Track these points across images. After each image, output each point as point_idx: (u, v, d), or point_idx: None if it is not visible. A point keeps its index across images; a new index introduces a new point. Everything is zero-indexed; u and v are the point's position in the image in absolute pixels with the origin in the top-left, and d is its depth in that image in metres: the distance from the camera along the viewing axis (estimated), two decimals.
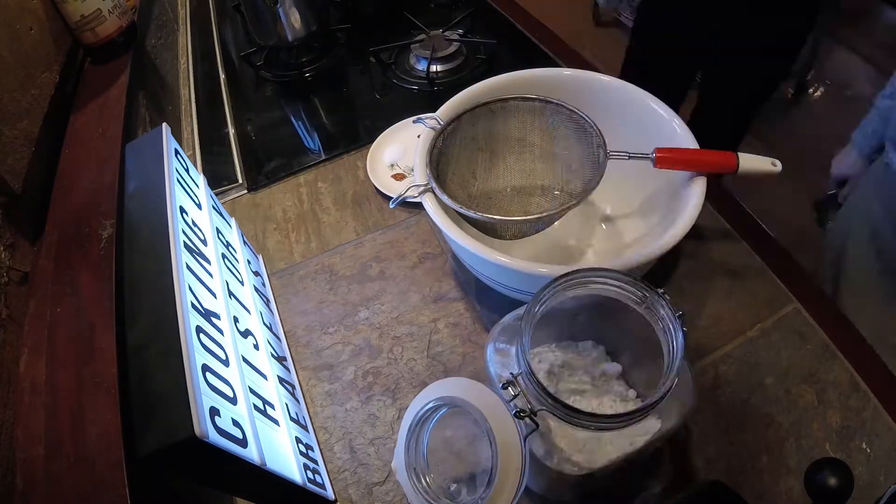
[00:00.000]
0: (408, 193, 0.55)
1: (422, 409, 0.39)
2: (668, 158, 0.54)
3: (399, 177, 0.80)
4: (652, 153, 0.54)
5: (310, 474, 0.49)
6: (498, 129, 0.63)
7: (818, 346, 0.58)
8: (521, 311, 0.40)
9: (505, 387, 0.37)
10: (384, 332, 0.65)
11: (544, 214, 0.53)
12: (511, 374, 0.38)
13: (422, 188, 0.55)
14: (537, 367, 0.48)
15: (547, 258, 0.66)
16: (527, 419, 0.37)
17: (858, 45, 2.17)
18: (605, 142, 0.56)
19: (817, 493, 0.47)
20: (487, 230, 0.57)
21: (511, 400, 0.37)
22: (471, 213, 0.53)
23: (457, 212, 0.54)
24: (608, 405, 0.47)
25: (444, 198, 0.54)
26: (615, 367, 0.49)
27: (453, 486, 0.39)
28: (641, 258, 0.49)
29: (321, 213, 0.79)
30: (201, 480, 0.41)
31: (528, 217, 0.53)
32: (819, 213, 1.11)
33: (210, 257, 0.50)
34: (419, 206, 0.58)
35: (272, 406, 0.48)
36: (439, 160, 0.59)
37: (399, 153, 0.82)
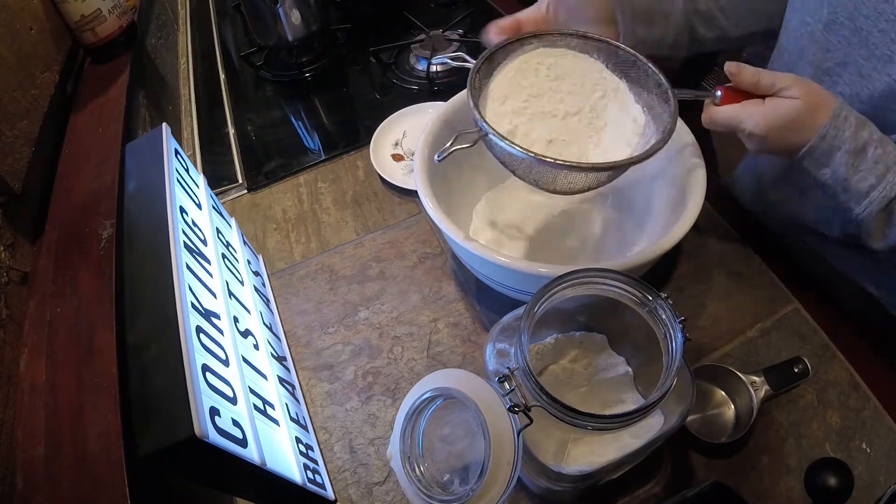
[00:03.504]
0: (455, 145, 0.48)
1: (418, 398, 0.39)
2: (732, 96, 0.49)
3: (398, 158, 0.82)
4: (717, 91, 0.49)
5: (310, 474, 0.49)
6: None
7: (818, 346, 0.58)
8: (520, 310, 0.40)
9: (501, 381, 0.38)
10: (384, 332, 0.65)
11: (615, 161, 0.46)
12: (508, 368, 0.38)
13: (474, 134, 0.48)
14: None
15: (547, 258, 0.66)
16: (521, 414, 0.37)
17: None
18: (668, 82, 0.50)
19: (817, 493, 0.47)
20: (540, 182, 0.50)
21: (507, 394, 0.37)
22: (521, 153, 0.45)
23: (500, 161, 0.48)
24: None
25: (495, 138, 0.46)
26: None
27: (446, 477, 0.39)
28: (641, 258, 0.49)
29: (321, 212, 0.79)
30: (201, 480, 0.41)
31: (598, 164, 0.46)
32: None
33: (210, 257, 0.50)
34: (419, 205, 0.58)
35: (272, 406, 0.48)
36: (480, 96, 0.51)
37: (400, 136, 0.85)
